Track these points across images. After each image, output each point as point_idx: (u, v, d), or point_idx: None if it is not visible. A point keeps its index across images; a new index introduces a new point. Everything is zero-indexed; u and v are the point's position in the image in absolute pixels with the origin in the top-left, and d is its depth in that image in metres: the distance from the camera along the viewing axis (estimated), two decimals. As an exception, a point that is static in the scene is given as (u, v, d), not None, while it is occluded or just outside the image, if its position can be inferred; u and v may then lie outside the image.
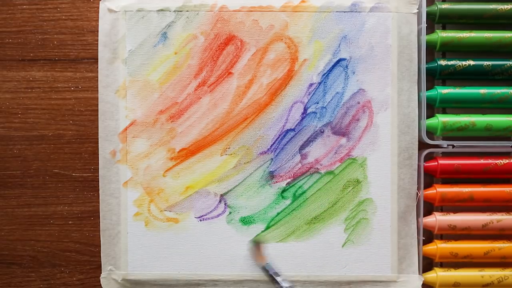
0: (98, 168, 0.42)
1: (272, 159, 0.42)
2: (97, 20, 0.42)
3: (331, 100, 0.41)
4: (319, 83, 0.41)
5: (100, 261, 0.42)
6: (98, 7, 0.42)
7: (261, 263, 0.40)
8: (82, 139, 0.43)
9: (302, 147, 0.41)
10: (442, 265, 0.42)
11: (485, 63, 0.41)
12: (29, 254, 0.43)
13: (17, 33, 0.43)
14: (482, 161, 0.41)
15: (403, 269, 0.41)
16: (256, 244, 0.41)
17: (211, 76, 0.42)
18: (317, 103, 0.41)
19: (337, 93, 0.41)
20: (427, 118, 0.41)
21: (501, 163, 0.41)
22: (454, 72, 0.41)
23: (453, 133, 0.41)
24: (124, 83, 0.41)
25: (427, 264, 0.42)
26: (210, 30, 0.41)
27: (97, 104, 0.42)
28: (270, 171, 0.42)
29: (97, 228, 0.42)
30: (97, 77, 0.42)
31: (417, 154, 0.41)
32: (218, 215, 0.42)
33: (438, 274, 0.41)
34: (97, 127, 0.42)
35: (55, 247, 0.43)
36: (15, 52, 0.43)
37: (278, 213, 0.42)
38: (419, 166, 0.41)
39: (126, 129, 0.42)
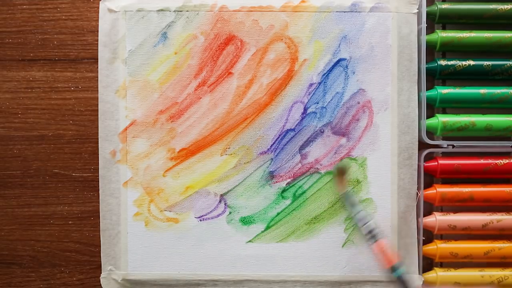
0: (98, 168, 0.42)
1: (272, 159, 0.42)
2: (97, 20, 0.42)
3: (331, 100, 0.41)
4: (319, 83, 0.41)
5: (100, 261, 0.42)
6: (98, 7, 0.42)
7: (341, 191, 0.40)
8: (82, 139, 0.43)
9: (302, 147, 0.42)
10: (442, 265, 0.42)
11: (485, 63, 0.41)
12: (29, 254, 0.43)
13: (17, 33, 0.43)
14: (482, 161, 0.41)
15: (403, 269, 0.41)
16: (340, 170, 0.40)
17: (211, 76, 0.42)
18: (317, 103, 0.41)
19: (337, 93, 0.41)
20: (427, 118, 0.41)
21: (501, 163, 0.41)
22: (454, 72, 0.41)
23: (453, 133, 0.41)
24: (124, 83, 0.41)
25: (427, 264, 0.42)
26: (210, 30, 0.41)
27: (97, 104, 0.42)
28: (270, 171, 0.42)
29: (97, 228, 0.42)
30: (97, 77, 0.42)
31: (417, 154, 0.41)
32: (218, 215, 0.42)
33: (438, 274, 0.41)
34: (97, 127, 0.42)
35: (55, 247, 0.43)
36: (15, 52, 0.43)
37: (278, 213, 0.42)
38: (419, 166, 0.41)
39: (126, 129, 0.42)
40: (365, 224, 0.38)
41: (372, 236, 0.38)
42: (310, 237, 0.41)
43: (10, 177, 0.43)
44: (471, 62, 0.41)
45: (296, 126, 0.41)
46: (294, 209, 0.42)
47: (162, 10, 0.41)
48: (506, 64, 0.40)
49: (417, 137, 0.41)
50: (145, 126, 0.42)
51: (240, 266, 0.42)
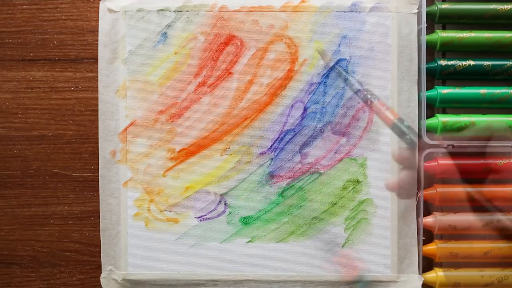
0: (98, 168, 0.42)
1: (272, 159, 0.42)
2: (97, 20, 0.42)
3: (331, 100, 0.41)
4: (319, 83, 0.41)
5: (100, 261, 0.42)
6: (98, 7, 0.42)
7: (326, 63, 0.40)
8: (82, 139, 0.43)
9: (302, 147, 0.42)
10: (442, 265, 0.42)
11: (485, 63, 0.41)
12: (29, 254, 0.43)
13: (17, 33, 0.43)
14: (482, 161, 0.41)
15: (403, 269, 0.41)
16: (320, 51, 0.41)
17: (211, 76, 0.42)
18: (317, 103, 0.41)
19: (337, 93, 0.41)
20: (427, 118, 0.41)
21: (501, 163, 0.41)
22: (454, 72, 0.41)
23: (453, 133, 0.41)
24: (124, 83, 0.41)
25: (427, 264, 0.42)
26: (210, 30, 0.41)
27: (97, 104, 0.42)
28: (270, 171, 0.42)
29: (97, 228, 0.42)
30: (97, 77, 0.42)
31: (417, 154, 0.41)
32: (218, 215, 0.42)
33: (438, 274, 0.41)
34: (97, 127, 0.42)
35: (55, 247, 0.43)
36: (15, 52, 0.43)
37: (278, 213, 0.42)
38: (419, 166, 0.41)
39: (126, 129, 0.42)
40: (360, 89, 0.37)
41: (369, 98, 0.37)
42: (310, 237, 0.41)
43: (10, 177, 0.43)
44: (471, 62, 0.41)
45: (296, 126, 0.42)
46: (294, 209, 0.42)
47: (162, 10, 0.41)
48: (506, 64, 0.40)
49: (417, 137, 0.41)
50: (145, 126, 0.42)
51: (240, 266, 0.42)
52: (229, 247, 0.42)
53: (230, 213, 0.42)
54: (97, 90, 0.42)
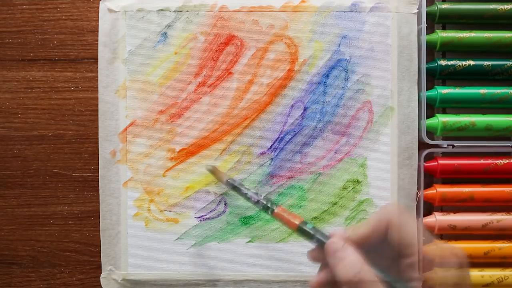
0: (98, 168, 0.42)
1: (272, 159, 0.42)
2: (97, 20, 0.42)
3: (331, 100, 0.41)
4: (319, 83, 0.41)
5: (100, 261, 0.42)
6: (98, 7, 0.42)
7: (222, 181, 0.40)
8: (82, 139, 0.43)
9: (302, 147, 0.41)
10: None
11: (485, 63, 0.41)
12: (29, 254, 0.43)
13: (17, 33, 0.43)
14: (482, 161, 0.41)
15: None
16: (211, 169, 0.41)
17: (211, 76, 0.42)
18: (317, 103, 0.41)
19: (337, 93, 0.41)
20: (427, 118, 0.41)
21: (501, 163, 0.41)
22: (454, 72, 0.41)
23: (453, 133, 0.41)
24: (124, 83, 0.41)
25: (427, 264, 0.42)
26: (210, 30, 0.41)
27: (97, 104, 0.42)
28: (270, 171, 0.42)
29: (97, 228, 0.42)
30: (97, 77, 0.42)
31: (417, 154, 0.41)
32: (218, 215, 0.42)
33: (438, 274, 0.41)
34: (97, 127, 0.42)
35: (55, 247, 0.43)
36: (15, 52, 0.43)
37: (278, 213, 0.42)
38: (419, 166, 0.41)
39: (126, 129, 0.42)
40: (258, 199, 0.36)
41: (269, 206, 0.36)
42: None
43: (10, 177, 0.43)
44: (471, 62, 0.41)
45: (296, 126, 0.41)
46: (294, 209, 0.42)
47: (162, 10, 0.41)
48: (506, 64, 0.40)
49: (417, 137, 0.41)
50: (145, 126, 0.42)
51: (240, 266, 0.42)
52: (229, 247, 0.42)
53: (230, 213, 0.42)
54: (97, 90, 0.42)
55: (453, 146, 0.41)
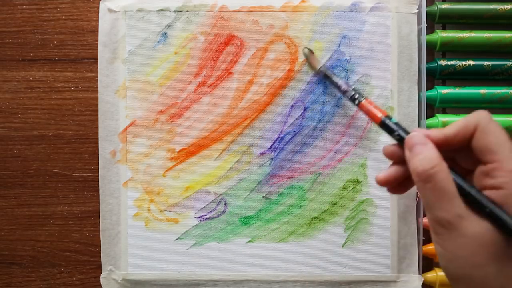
0: (98, 168, 0.42)
1: (272, 159, 0.42)
2: (97, 20, 0.42)
3: (331, 100, 0.41)
4: (319, 83, 0.41)
5: (100, 261, 0.42)
6: (98, 7, 0.42)
7: (316, 68, 0.40)
8: (82, 139, 0.43)
9: (302, 147, 0.41)
10: (442, 265, 0.42)
11: (485, 63, 0.41)
12: (29, 254, 0.43)
13: (17, 33, 0.43)
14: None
15: (403, 269, 0.41)
16: (308, 52, 0.41)
17: (211, 76, 0.42)
18: (317, 103, 0.41)
19: (337, 93, 0.41)
20: (427, 118, 0.41)
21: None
22: (454, 72, 0.41)
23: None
24: (124, 83, 0.41)
25: (427, 264, 0.42)
26: (210, 30, 0.41)
27: (97, 104, 0.42)
28: (270, 171, 0.42)
29: (97, 228, 0.42)
30: (97, 77, 0.42)
31: (417, 154, 0.41)
32: (218, 215, 0.42)
33: (438, 274, 0.41)
34: (97, 127, 0.42)
35: (55, 247, 0.43)
36: (15, 52, 0.43)
37: (278, 213, 0.42)
38: (419, 166, 0.41)
39: (126, 129, 0.42)
40: (347, 89, 0.38)
41: (356, 98, 0.37)
42: (310, 237, 0.41)
43: (10, 177, 0.43)
44: (471, 62, 0.41)
45: (296, 126, 0.42)
46: (294, 209, 0.42)
47: (162, 10, 0.41)
48: (506, 64, 0.40)
49: (417, 137, 0.41)
50: (145, 126, 0.42)
51: (240, 266, 0.42)
52: (229, 247, 0.42)
53: (230, 213, 0.42)
54: (97, 90, 0.42)
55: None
